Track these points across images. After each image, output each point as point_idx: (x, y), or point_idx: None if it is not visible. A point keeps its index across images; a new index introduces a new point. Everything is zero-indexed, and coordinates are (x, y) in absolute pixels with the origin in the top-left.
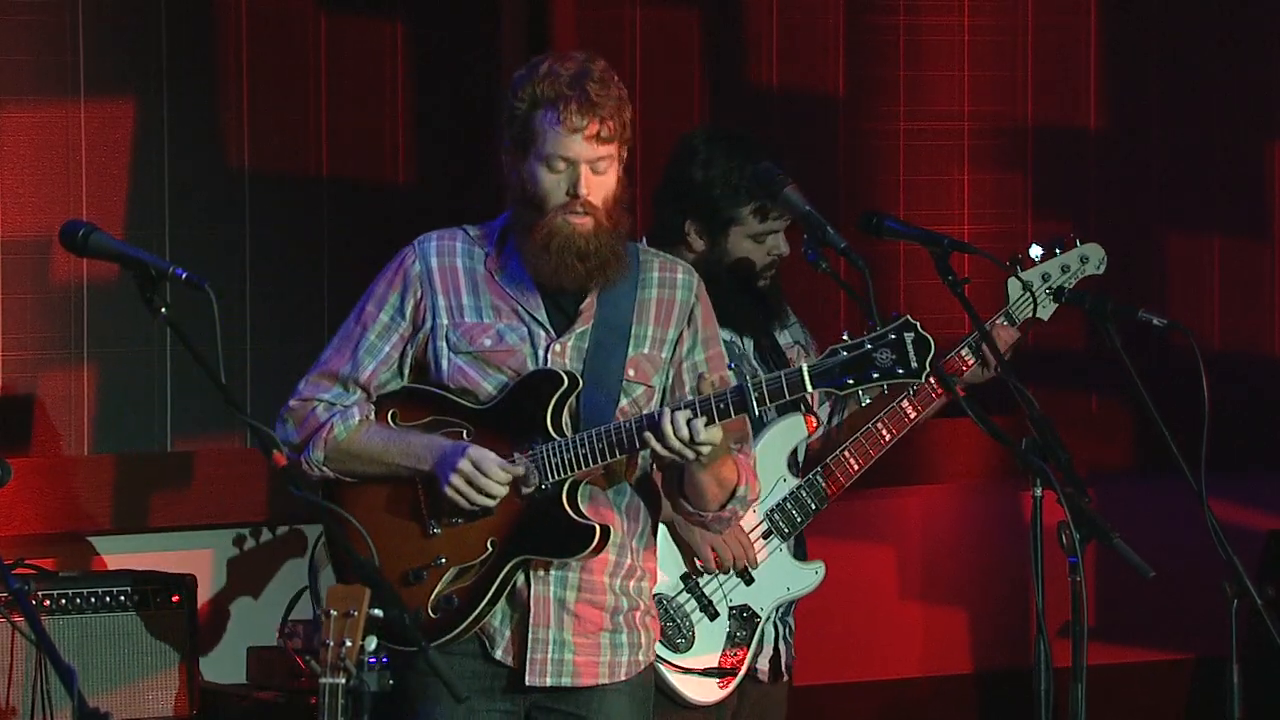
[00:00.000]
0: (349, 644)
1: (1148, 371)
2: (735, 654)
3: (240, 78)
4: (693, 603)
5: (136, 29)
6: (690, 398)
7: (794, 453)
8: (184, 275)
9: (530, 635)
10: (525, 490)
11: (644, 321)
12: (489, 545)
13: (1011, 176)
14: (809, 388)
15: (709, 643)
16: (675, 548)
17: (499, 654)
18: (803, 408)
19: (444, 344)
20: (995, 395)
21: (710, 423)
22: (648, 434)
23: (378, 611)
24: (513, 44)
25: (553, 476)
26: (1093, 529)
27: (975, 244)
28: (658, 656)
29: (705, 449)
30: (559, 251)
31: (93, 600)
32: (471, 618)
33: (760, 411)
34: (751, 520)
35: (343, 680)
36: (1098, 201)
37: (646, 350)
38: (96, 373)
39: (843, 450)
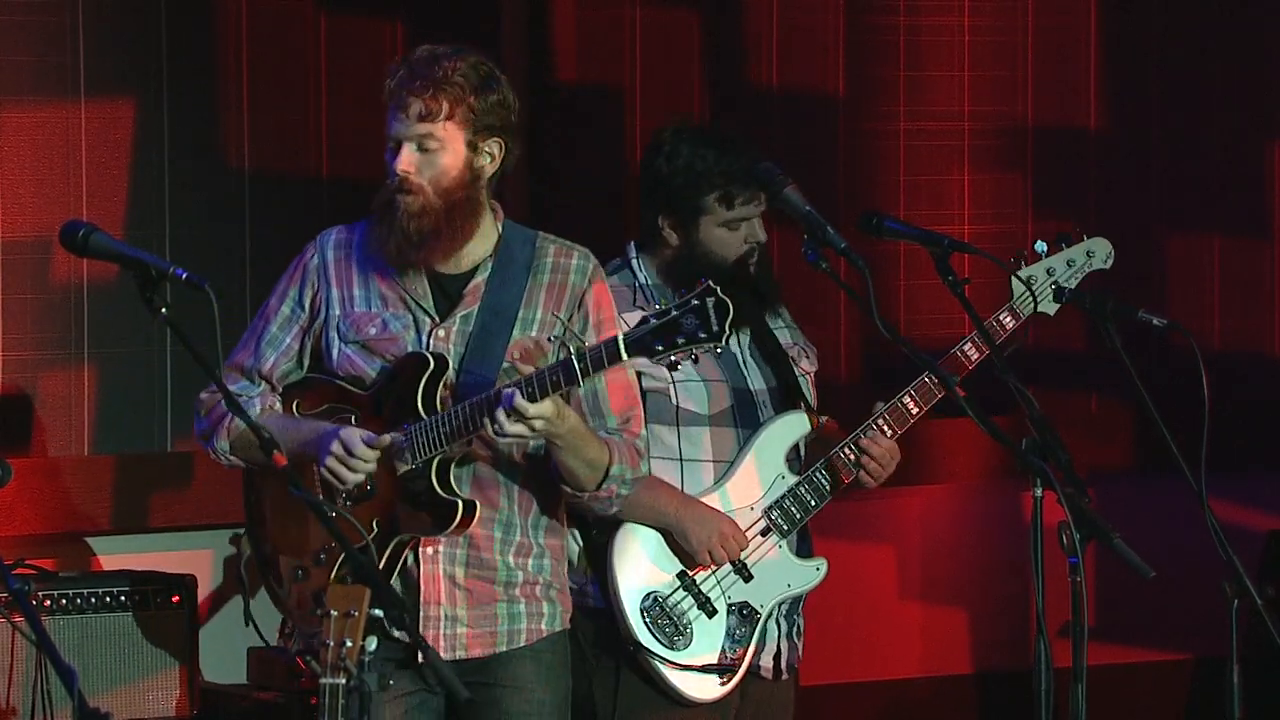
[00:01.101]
0: (349, 644)
1: (1148, 372)
2: (735, 651)
3: (240, 78)
4: (689, 600)
5: (136, 29)
6: (519, 376)
7: (795, 449)
8: (184, 275)
9: (422, 612)
10: (400, 471)
11: (533, 305)
12: (374, 525)
13: (1011, 177)
14: (624, 356)
15: (708, 640)
16: (666, 547)
17: (395, 632)
18: (803, 405)
19: (335, 334)
20: (995, 395)
21: (538, 398)
22: (484, 413)
23: (377, 611)
24: (513, 44)
25: (422, 455)
26: (1093, 529)
27: (975, 244)
28: (657, 655)
29: (539, 424)
30: (396, 231)
31: (93, 600)
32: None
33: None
34: (750, 517)
35: (343, 680)
36: (1098, 202)
37: (534, 333)
38: (96, 373)
39: (843, 447)
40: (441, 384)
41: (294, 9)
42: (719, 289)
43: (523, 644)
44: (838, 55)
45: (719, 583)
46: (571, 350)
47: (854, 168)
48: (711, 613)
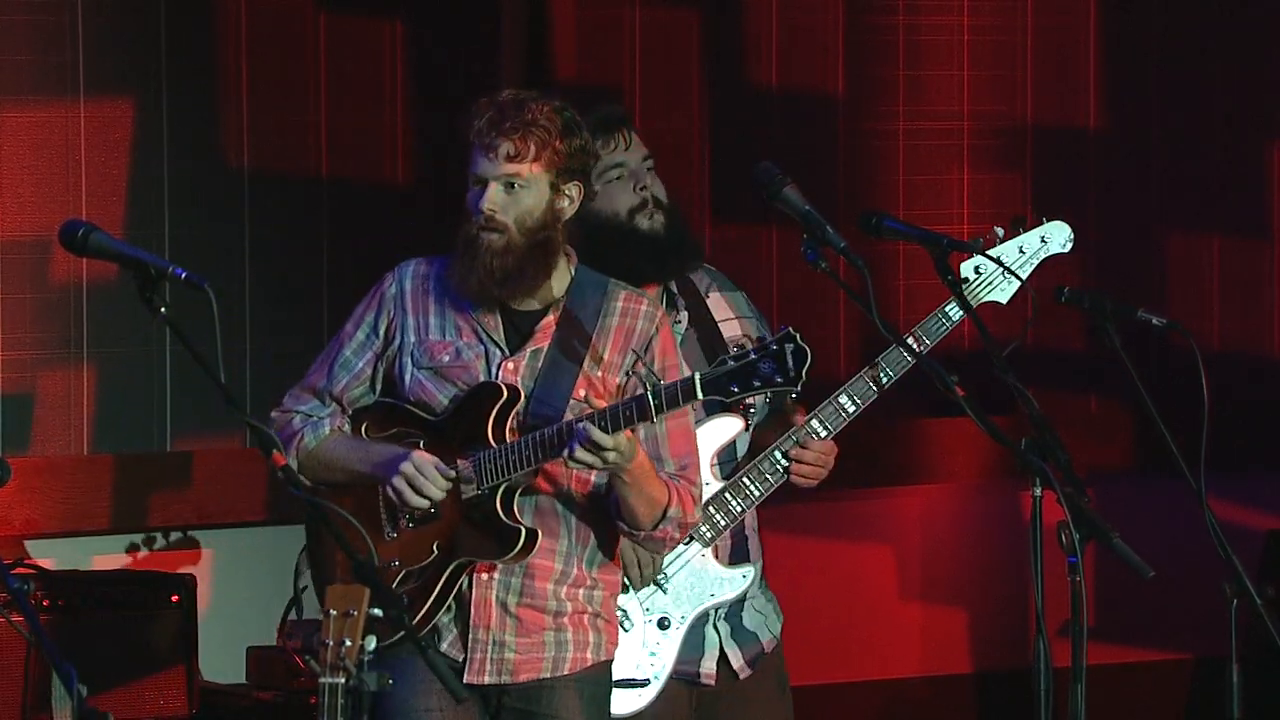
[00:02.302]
0: (348, 643)
1: (1147, 371)
2: (652, 664)
3: (240, 78)
4: None
5: (136, 29)
6: (592, 409)
7: (725, 452)
8: (183, 275)
9: (470, 635)
10: (465, 496)
11: (602, 346)
12: (434, 549)
13: (1011, 176)
14: (699, 395)
15: (623, 654)
16: None
17: (444, 647)
18: (734, 408)
19: (408, 359)
20: (995, 395)
21: (610, 431)
22: (556, 443)
23: (377, 611)
24: (513, 44)
25: (488, 481)
26: (1092, 529)
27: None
28: None
29: (611, 455)
30: (473, 266)
31: (92, 600)
32: (420, 617)
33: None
34: None
35: (342, 680)
36: (1097, 201)
37: (599, 373)
38: (96, 372)
39: (773, 450)
40: (512, 415)
41: (294, 9)
42: (799, 335)
43: (567, 671)
44: (837, 55)
45: (634, 595)
46: (647, 386)
47: (853, 167)
48: (628, 628)
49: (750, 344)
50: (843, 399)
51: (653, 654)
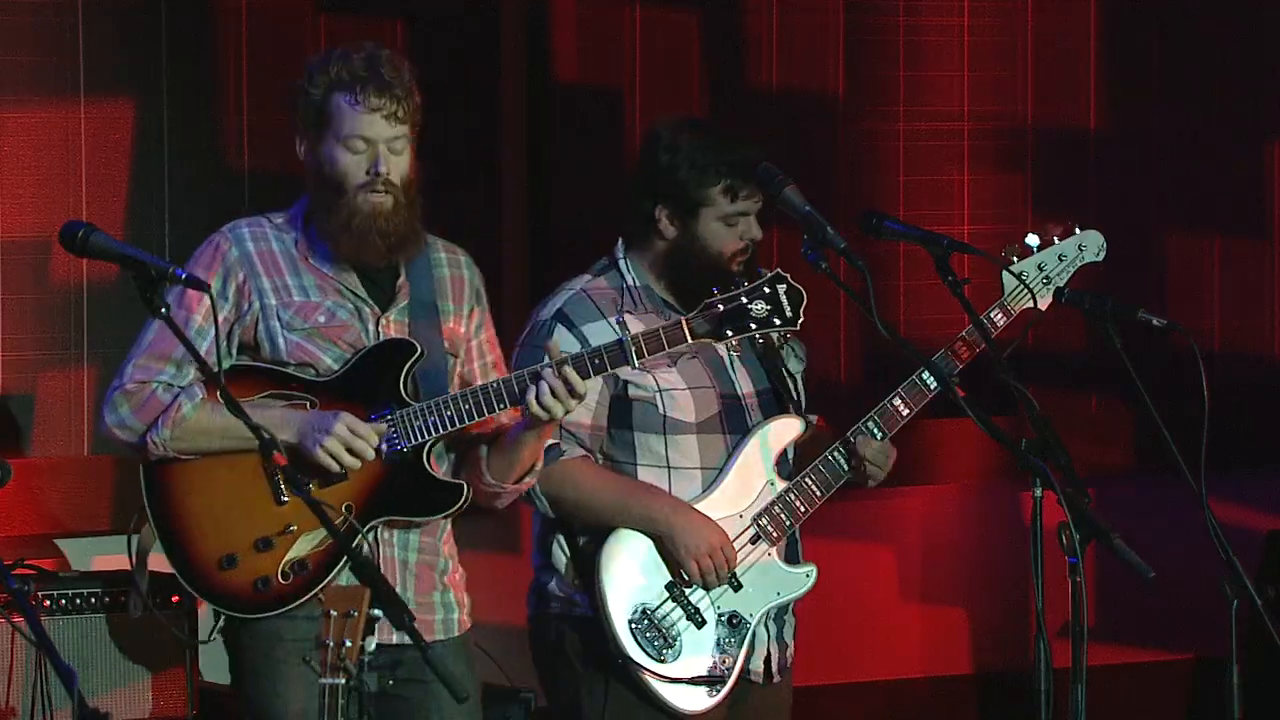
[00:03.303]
0: (349, 644)
1: (1147, 372)
2: (724, 661)
3: (240, 79)
4: (678, 612)
5: (137, 30)
6: (565, 354)
7: (782, 454)
8: (184, 275)
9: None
10: (386, 454)
11: (445, 297)
12: (344, 510)
13: (1011, 177)
14: (689, 339)
15: (697, 652)
16: (656, 558)
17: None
18: (791, 408)
19: (276, 323)
20: (995, 395)
21: (587, 376)
22: (530, 387)
23: (377, 612)
24: (512, 44)
25: (416, 439)
26: (1093, 529)
27: (975, 244)
28: (645, 669)
29: (575, 403)
30: (361, 230)
31: (93, 601)
32: (327, 580)
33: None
34: (739, 525)
35: (342, 681)
36: (1097, 202)
37: (451, 324)
38: (96, 373)
39: (833, 450)
40: (412, 373)
41: (294, 10)
42: (789, 276)
43: (456, 633)
44: (837, 55)
45: (708, 593)
46: (625, 335)
47: (854, 168)
48: (700, 623)
49: (785, 351)
50: (896, 401)
51: (724, 651)
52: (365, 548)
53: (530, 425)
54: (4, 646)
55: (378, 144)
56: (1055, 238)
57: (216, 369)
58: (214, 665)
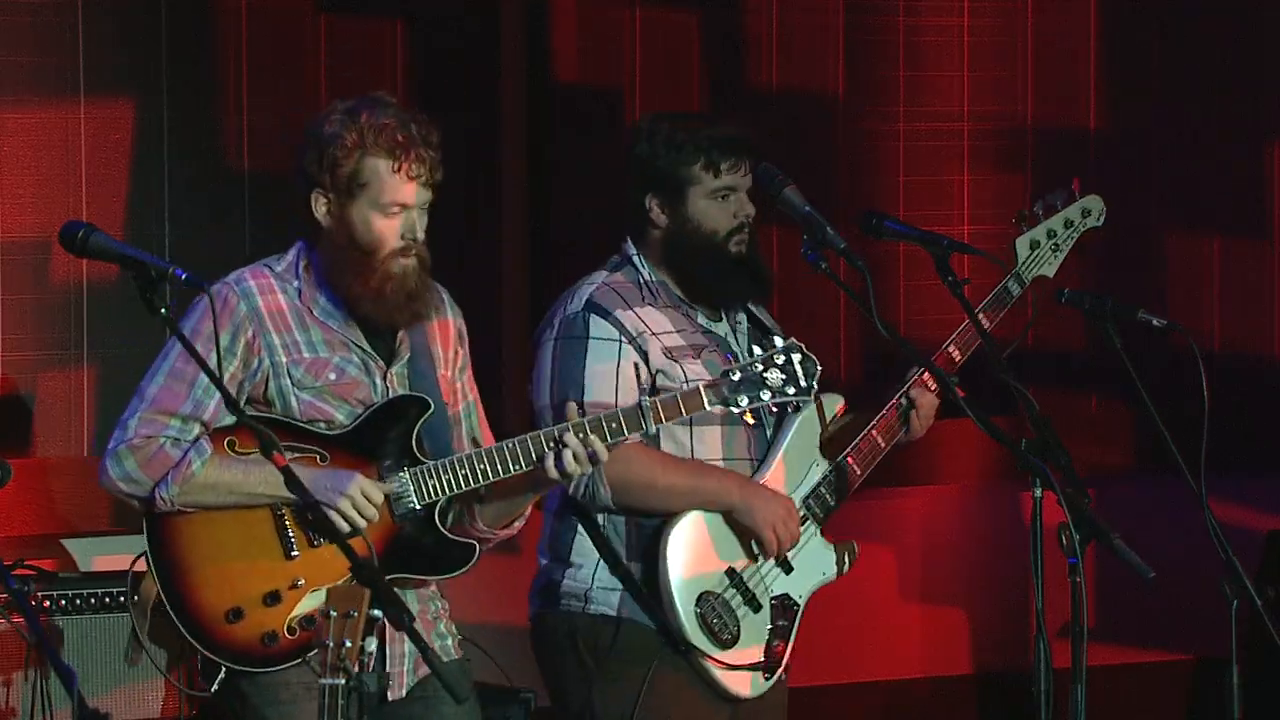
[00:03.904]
0: (348, 645)
1: (1147, 372)
2: (777, 645)
3: (240, 79)
4: (738, 597)
5: (136, 30)
6: (581, 418)
7: (825, 433)
8: (184, 276)
9: (389, 651)
10: (398, 511)
11: (436, 344)
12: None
13: (1011, 177)
14: (706, 406)
15: (753, 636)
16: (714, 544)
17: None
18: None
19: (288, 381)
20: (995, 396)
21: (605, 441)
22: (550, 453)
23: (377, 613)
24: (512, 44)
25: (428, 497)
26: (1092, 530)
27: (975, 245)
28: (708, 655)
29: (591, 469)
30: (395, 294)
31: (92, 601)
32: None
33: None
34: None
35: (342, 681)
36: None
37: (444, 371)
38: (96, 373)
39: (870, 430)
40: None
41: (294, 9)
42: (803, 346)
43: (454, 656)
44: (837, 55)
45: (762, 577)
46: (644, 400)
47: (854, 168)
48: (757, 608)
49: (750, 355)
50: (950, 349)
51: (778, 635)
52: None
53: (539, 483)
54: (4, 648)
55: (414, 210)
56: (1058, 204)
57: (217, 369)
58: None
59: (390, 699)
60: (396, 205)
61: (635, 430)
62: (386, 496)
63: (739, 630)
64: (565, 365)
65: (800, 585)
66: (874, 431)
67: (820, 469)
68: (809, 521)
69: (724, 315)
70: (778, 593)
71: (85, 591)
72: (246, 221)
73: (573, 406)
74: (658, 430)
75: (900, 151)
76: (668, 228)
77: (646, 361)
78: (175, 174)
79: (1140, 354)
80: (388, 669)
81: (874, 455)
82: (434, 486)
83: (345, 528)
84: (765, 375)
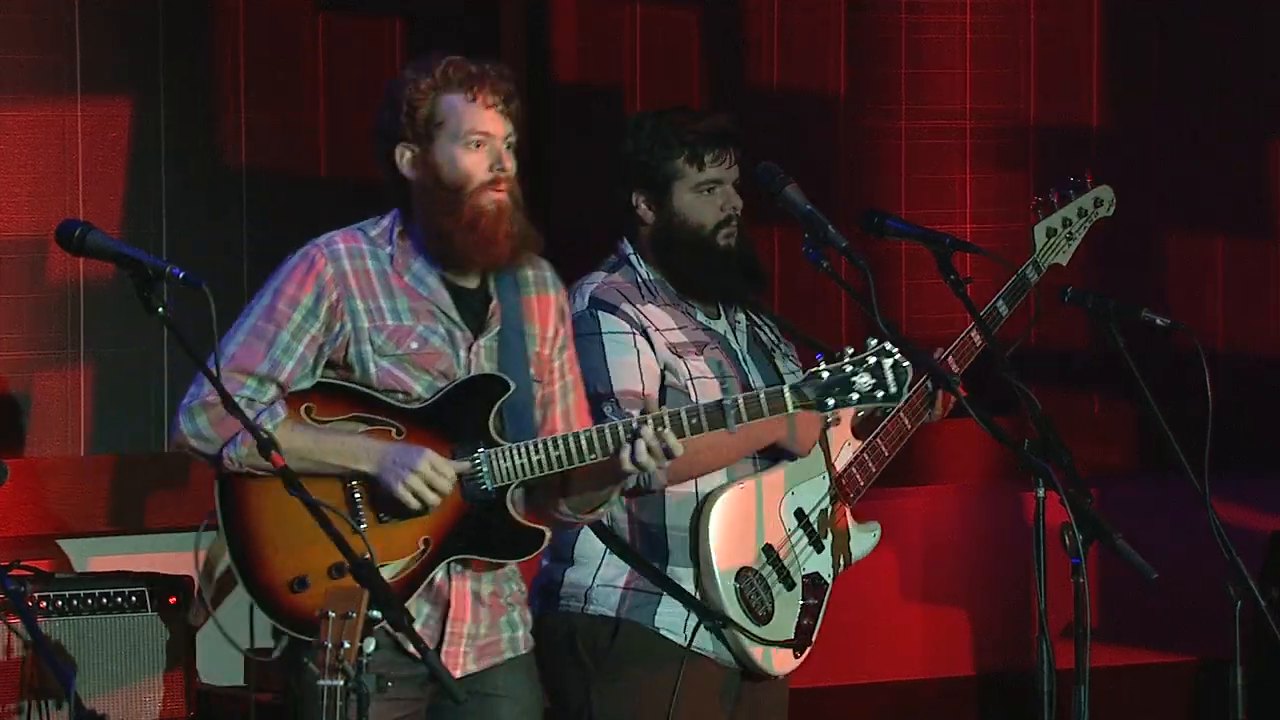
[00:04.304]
0: (347, 646)
1: (1150, 372)
2: (808, 623)
3: (238, 77)
4: (774, 574)
5: (134, 28)
6: (662, 411)
7: (855, 414)
8: (181, 275)
9: (448, 629)
10: (469, 492)
11: (532, 320)
12: (421, 544)
13: (1014, 175)
14: (790, 408)
15: (786, 613)
16: (753, 520)
17: (411, 646)
18: None
19: (368, 347)
20: (998, 395)
21: (683, 436)
22: (624, 444)
23: (376, 613)
24: (512, 44)
25: (501, 480)
26: (1095, 530)
27: (977, 243)
28: (744, 630)
29: (668, 462)
30: (487, 230)
31: (89, 602)
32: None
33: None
34: (823, 487)
35: (340, 682)
36: None
37: (539, 348)
38: (93, 373)
39: (897, 411)
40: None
41: (293, 8)
42: (897, 351)
43: (522, 651)
44: (839, 53)
45: (796, 555)
46: (727, 397)
47: (855, 166)
48: (791, 585)
49: (839, 353)
50: (972, 335)
51: (809, 613)
52: (437, 577)
53: (618, 476)
54: (1, 649)
55: (496, 140)
56: (1072, 192)
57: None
58: (212, 668)
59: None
60: (477, 134)
61: (716, 427)
62: (458, 476)
63: (774, 607)
64: (586, 363)
65: (829, 564)
66: (901, 413)
67: (851, 447)
68: (839, 500)
69: (722, 312)
70: (809, 570)
71: (81, 593)
72: (244, 220)
73: (654, 399)
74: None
75: (902, 150)
76: (655, 224)
77: (655, 355)
78: (172, 172)
79: (1143, 353)
80: (446, 647)
81: (901, 436)
82: (508, 469)
83: (414, 504)
84: (854, 378)
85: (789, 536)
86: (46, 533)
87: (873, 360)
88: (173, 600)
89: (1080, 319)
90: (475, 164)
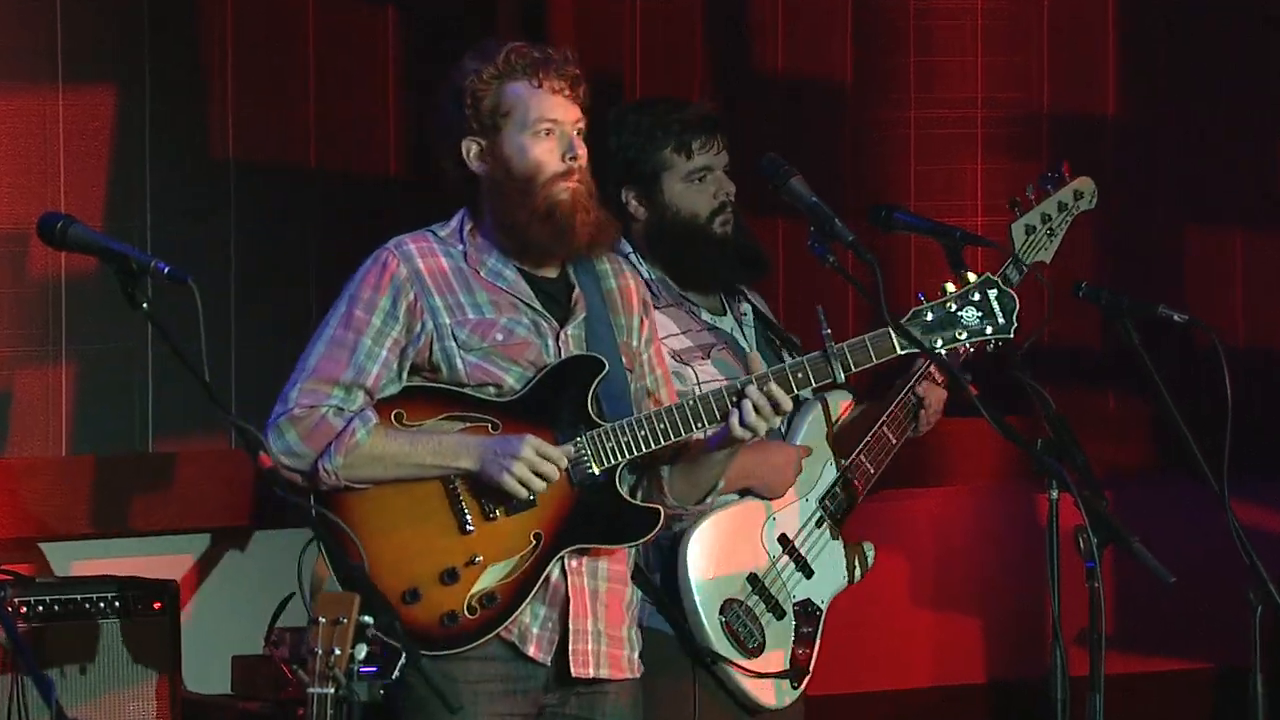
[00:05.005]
0: (338, 652)
1: (1167, 369)
2: (803, 652)
3: (226, 64)
4: (761, 605)
5: (118, 12)
6: (763, 369)
7: (832, 432)
8: (166, 270)
9: (571, 627)
10: (576, 478)
11: (617, 311)
12: (533, 538)
13: (1027, 166)
14: (898, 349)
15: (779, 643)
16: (734, 549)
17: (531, 650)
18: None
19: (453, 343)
20: (1009, 393)
21: (790, 392)
22: (733, 409)
23: (368, 619)
24: (507, 29)
25: (607, 461)
26: (1111, 533)
27: (989, 237)
28: (734, 664)
29: (779, 420)
30: (563, 220)
31: (71, 607)
32: (517, 612)
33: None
34: (805, 510)
35: (331, 690)
36: (1116, 192)
37: (626, 338)
38: (75, 371)
39: (880, 427)
40: (597, 391)
41: None
42: (1000, 280)
43: (636, 674)
44: (845, 40)
45: (785, 582)
46: (831, 345)
47: (862, 157)
48: (781, 614)
49: (940, 289)
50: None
51: (803, 642)
52: (552, 575)
53: (725, 444)
54: None
55: (566, 125)
56: (1049, 186)
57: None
58: (197, 675)
59: (574, 675)
60: (546, 122)
61: (823, 378)
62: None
63: (764, 638)
64: None
65: (822, 589)
66: (884, 428)
67: (833, 469)
68: (825, 523)
69: (726, 308)
70: (800, 598)
71: (63, 598)
72: (232, 213)
73: (756, 356)
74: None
75: (911, 140)
76: (648, 219)
77: None
78: (158, 163)
79: (1159, 351)
80: (572, 646)
81: (887, 452)
82: (613, 449)
83: (522, 493)
84: (960, 314)
85: (774, 564)
86: (26, 535)
87: (977, 294)
88: (157, 605)
89: (1094, 315)
90: (546, 153)
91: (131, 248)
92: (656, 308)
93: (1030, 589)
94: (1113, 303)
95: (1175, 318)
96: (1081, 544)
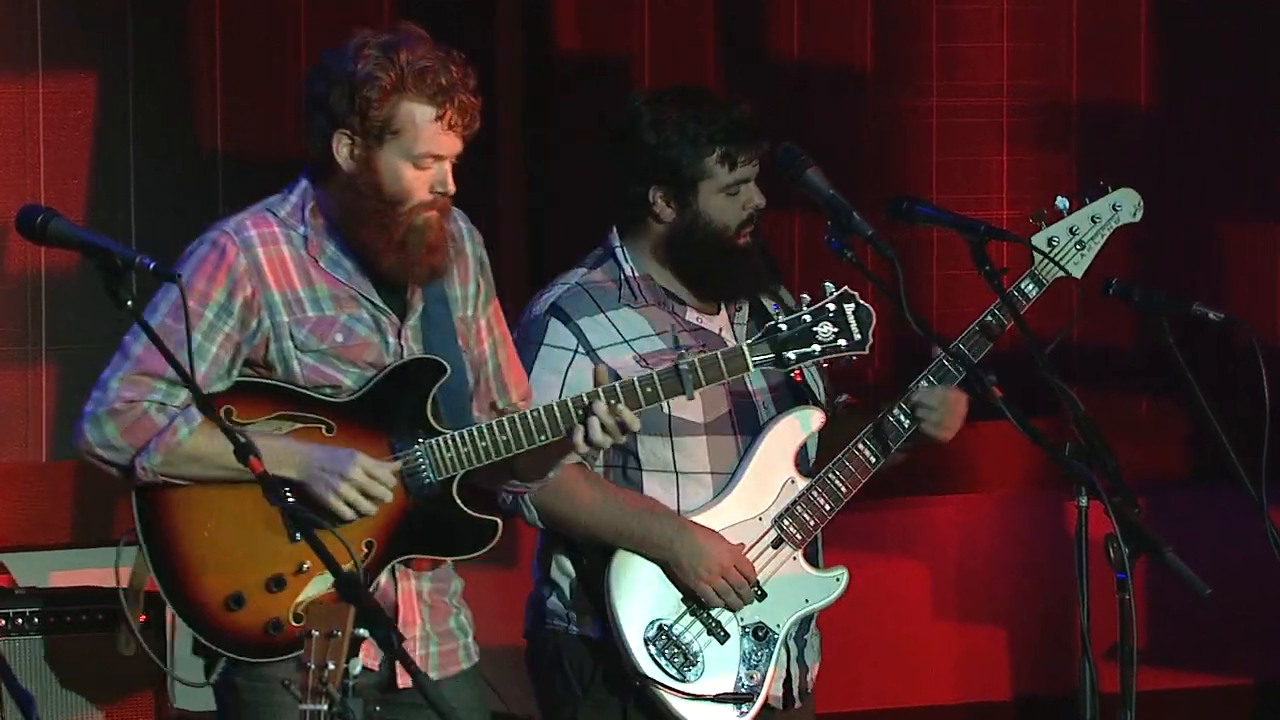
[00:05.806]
0: (332, 667)
1: (1203, 370)
2: (751, 676)
3: (213, 52)
4: (697, 627)
5: None
6: (613, 383)
7: (802, 450)
8: (152, 266)
9: (404, 634)
10: (412, 487)
11: (454, 285)
12: (364, 548)
13: (1054, 157)
14: (749, 366)
15: (721, 667)
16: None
17: (362, 659)
18: (810, 400)
19: (290, 344)
20: (1037, 396)
21: (641, 406)
22: (577, 424)
23: (363, 632)
24: (508, 10)
25: (445, 472)
26: (1143, 542)
27: (1014, 230)
28: (665, 686)
29: (625, 438)
30: (415, 249)
31: (52, 619)
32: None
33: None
34: (759, 529)
35: (325, 707)
36: (1149, 184)
37: (463, 312)
38: (56, 372)
39: (856, 443)
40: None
41: None
42: (858, 295)
43: (475, 660)
44: (865, 24)
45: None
46: (682, 361)
47: (882, 148)
48: (724, 638)
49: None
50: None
51: (752, 666)
52: (381, 581)
53: (571, 454)
54: None
55: (447, 160)
56: (1086, 198)
57: (194, 382)
58: (185, 690)
59: (399, 686)
60: (431, 157)
61: (673, 394)
62: (397, 475)
63: (702, 661)
64: None
65: (777, 613)
66: (860, 446)
67: (797, 486)
68: (784, 545)
69: (720, 306)
70: (750, 621)
71: (44, 610)
72: (219, 206)
73: (603, 370)
74: (634, 442)
75: (933, 129)
76: (674, 223)
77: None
78: (142, 154)
79: (1194, 351)
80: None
81: (864, 472)
82: (451, 459)
83: (349, 515)
84: (815, 328)
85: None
86: (5, 544)
87: (833, 307)
88: (142, 618)
89: (1125, 314)
90: (419, 183)
91: (115, 243)
92: (634, 308)
93: (1058, 601)
94: (1146, 300)
95: (1211, 316)
96: (1112, 554)
